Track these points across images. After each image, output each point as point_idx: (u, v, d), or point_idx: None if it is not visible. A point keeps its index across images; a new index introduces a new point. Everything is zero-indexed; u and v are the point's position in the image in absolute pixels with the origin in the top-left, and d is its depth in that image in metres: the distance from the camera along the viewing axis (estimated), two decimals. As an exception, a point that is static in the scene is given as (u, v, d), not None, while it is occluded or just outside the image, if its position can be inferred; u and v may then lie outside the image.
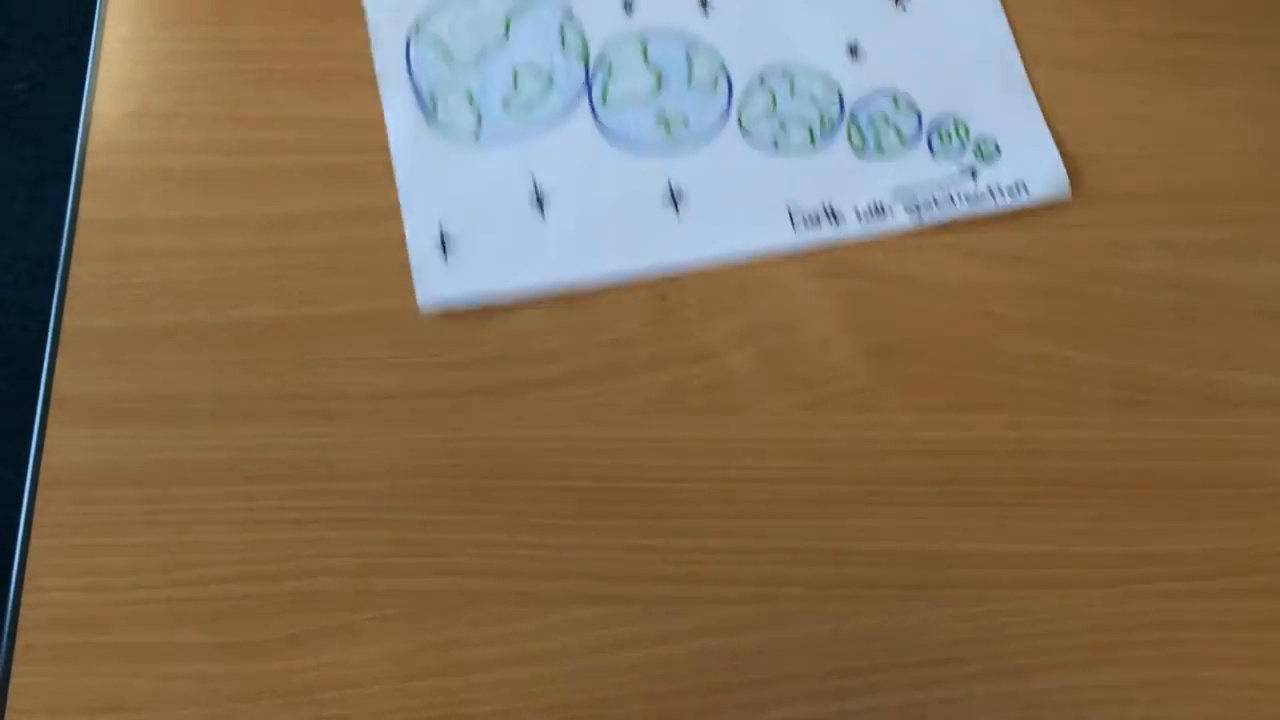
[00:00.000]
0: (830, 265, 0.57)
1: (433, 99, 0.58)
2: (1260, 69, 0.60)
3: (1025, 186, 0.57)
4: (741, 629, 0.51)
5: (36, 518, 0.51)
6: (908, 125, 0.59)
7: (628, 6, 0.61)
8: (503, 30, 0.60)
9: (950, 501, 0.53)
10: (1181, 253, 0.57)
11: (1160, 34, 0.61)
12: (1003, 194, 0.57)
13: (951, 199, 0.57)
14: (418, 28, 0.60)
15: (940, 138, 0.58)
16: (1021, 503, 0.53)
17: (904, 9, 0.61)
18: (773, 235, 0.56)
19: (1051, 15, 0.62)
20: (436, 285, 0.55)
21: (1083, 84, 0.60)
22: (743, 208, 0.57)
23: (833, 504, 0.53)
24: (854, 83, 0.60)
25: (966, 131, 0.58)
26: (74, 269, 0.56)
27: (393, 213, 0.57)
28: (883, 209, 0.57)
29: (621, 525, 0.52)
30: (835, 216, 0.55)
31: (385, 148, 0.58)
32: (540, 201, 0.57)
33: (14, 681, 0.49)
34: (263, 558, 0.51)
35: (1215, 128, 0.59)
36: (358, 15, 0.61)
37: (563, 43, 0.60)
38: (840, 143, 0.58)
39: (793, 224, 0.56)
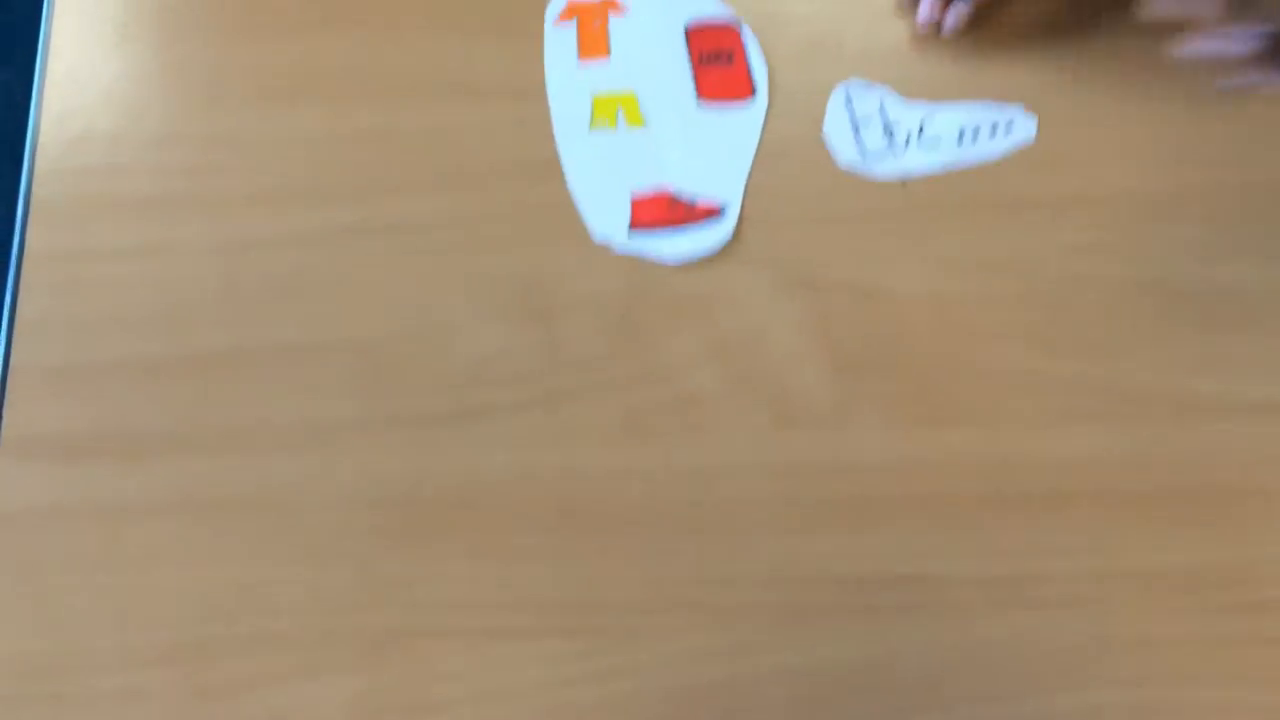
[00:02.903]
0: (796, 277, 0.55)
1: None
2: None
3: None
4: (710, 658, 0.50)
5: (-13, 562, 0.50)
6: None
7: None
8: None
9: (924, 521, 0.52)
10: (1156, 255, 0.55)
11: (1131, 28, 0.59)
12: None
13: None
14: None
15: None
16: (998, 520, 0.52)
17: None
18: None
19: (1022, 11, 0.60)
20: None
21: (1055, 83, 0.58)
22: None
23: (803, 527, 0.51)
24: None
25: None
26: (21, 302, 0.54)
27: (346, 235, 0.55)
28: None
29: (586, 554, 0.51)
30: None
31: (333, 166, 0.56)
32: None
33: (-33, 732, 0.48)
34: (219, 595, 0.50)
35: (1189, 125, 0.57)
36: (301, 31, 0.59)
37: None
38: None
39: None
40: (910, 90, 0.59)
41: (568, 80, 0.59)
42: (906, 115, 0.58)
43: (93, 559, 0.51)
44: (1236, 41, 0.54)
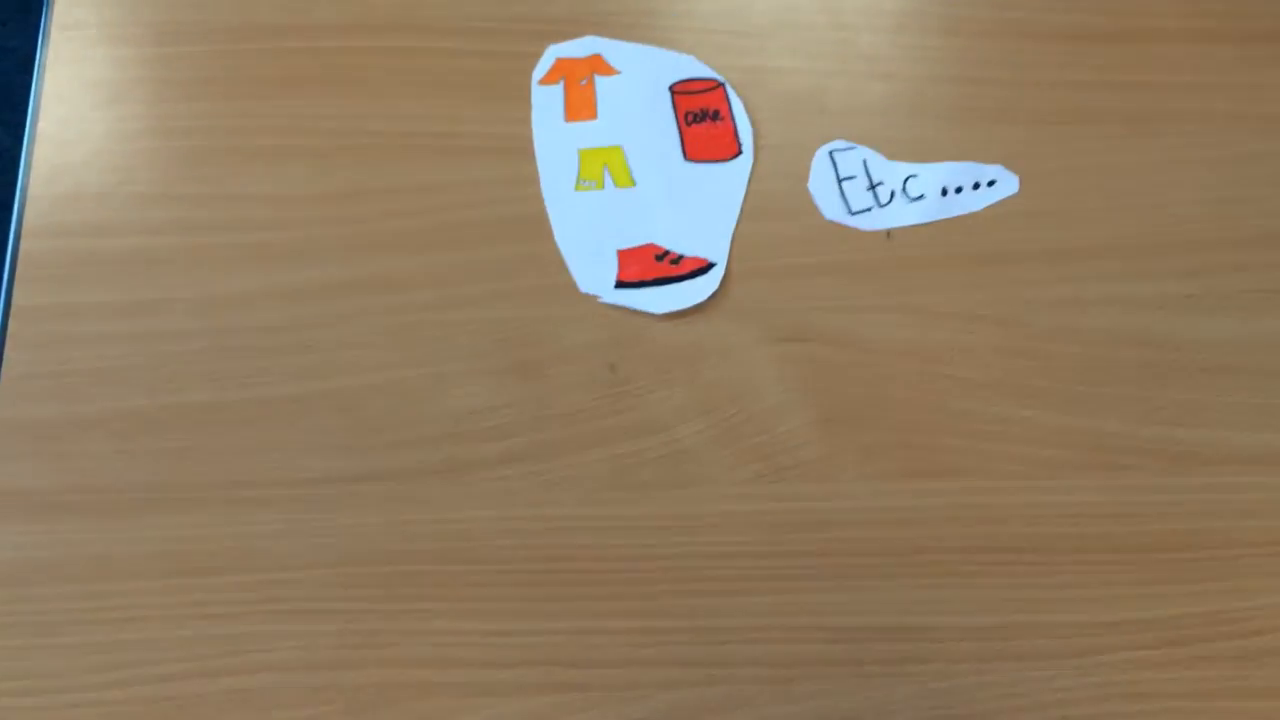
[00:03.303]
0: (782, 330, 0.55)
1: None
2: (1212, 117, 0.60)
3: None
4: (701, 713, 0.49)
5: (-35, 620, 0.50)
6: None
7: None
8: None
9: (912, 572, 0.51)
10: (1140, 308, 0.56)
11: (1112, 85, 0.60)
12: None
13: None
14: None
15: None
16: (985, 572, 0.51)
17: None
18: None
19: (1001, 69, 0.61)
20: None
21: (1037, 138, 0.59)
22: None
23: (792, 579, 0.51)
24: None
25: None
26: (7, 357, 0.54)
27: (332, 290, 0.56)
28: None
29: (574, 608, 0.51)
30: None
31: (321, 221, 0.57)
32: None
33: (-59, 794, 0.47)
34: (201, 654, 0.50)
35: (1168, 178, 0.58)
36: (288, 91, 0.60)
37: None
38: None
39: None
40: (893, 148, 0.59)
41: (554, 139, 0.60)
42: (890, 173, 0.59)
43: (72, 618, 0.50)
44: None
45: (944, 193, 0.58)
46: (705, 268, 0.57)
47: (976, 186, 0.58)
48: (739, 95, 0.61)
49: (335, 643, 0.50)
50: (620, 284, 0.56)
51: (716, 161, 0.60)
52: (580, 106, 0.61)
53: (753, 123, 0.60)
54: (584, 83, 0.62)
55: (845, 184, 0.59)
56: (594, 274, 0.57)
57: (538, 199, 0.58)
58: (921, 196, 0.58)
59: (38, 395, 0.54)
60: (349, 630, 0.50)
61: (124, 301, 0.55)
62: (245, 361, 0.54)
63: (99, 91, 0.60)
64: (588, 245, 0.57)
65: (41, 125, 0.59)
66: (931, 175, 0.59)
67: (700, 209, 0.58)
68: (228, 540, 0.51)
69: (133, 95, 0.60)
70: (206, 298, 0.55)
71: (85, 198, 0.57)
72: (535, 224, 0.57)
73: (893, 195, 0.58)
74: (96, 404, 0.54)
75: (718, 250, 0.57)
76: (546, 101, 0.61)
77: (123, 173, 0.58)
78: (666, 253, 0.57)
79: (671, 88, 0.61)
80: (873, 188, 0.58)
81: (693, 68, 0.62)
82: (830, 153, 0.59)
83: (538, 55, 0.61)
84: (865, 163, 0.59)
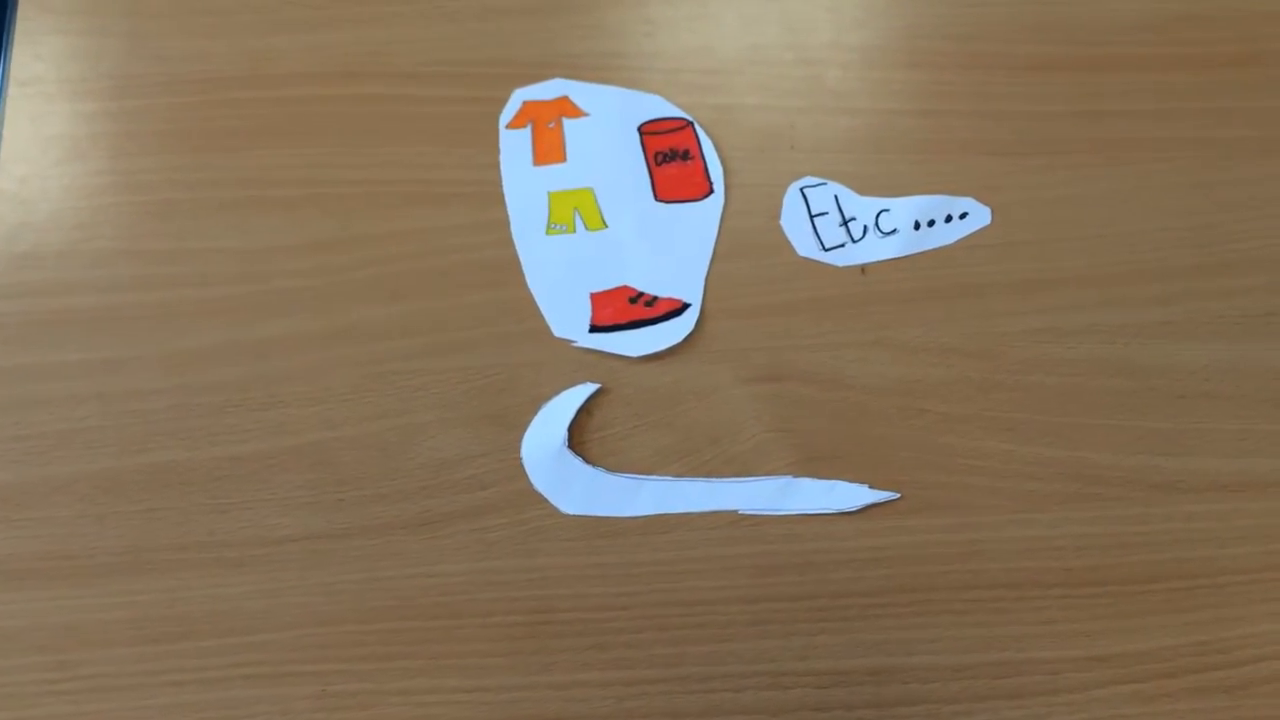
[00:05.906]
0: (759, 370, 0.55)
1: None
2: (1180, 144, 0.60)
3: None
4: (689, 765, 0.48)
5: (-71, 695, 0.48)
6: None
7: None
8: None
9: (899, 612, 0.51)
10: (1117, 336, 0.56)
11: (1080, 114, 0.61)
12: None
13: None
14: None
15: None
16: (972, 609, 0.51)
17: None
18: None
19: (968, 101, 0.61)
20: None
21: (1007, 169, 0.59)
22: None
23: (777, 623, 0.50)
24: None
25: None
26: (-32, 422, 0.53)
27: (302, 343, 0.55)
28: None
29: (557, 661, 0.50)
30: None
31: (288, 273, 0.56)
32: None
33: None
34: (175, 722, 0.48)
35: (1140, 206, 0.58)
36: (254, 142, 0.59)
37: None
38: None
39: None
40: (863, 183, 0.59)
41: (524, 183, 0.59)
42: (862, 208, 0.59)
43: (38, 690, 0.49)
44: None
45: (916, 226, 0.58)
46: (680, 309, 0.56)
47: (949, 219, 0.58)
48: (708, 134, 0.60)
49: (313, 705, 0.49)
50: (595, 328, 0.56)
51: (688, 201, 0.59)
52: (549, 149, 0.61)
53: (723, 161, 0.60)
54: (552, 125, 0.61)
55: (818, 220, 0.58)
56: (568, 318, 0.56)
57: (508, 244, 0.57)
58: (894, 231, 0.58)
59: (1, 459, 0.52)
60: (327, 693, 0.49)
61: (89, 361, 0.54)
62: (214, 419, 0.53)
63: (59, 147, 0.59)
64: (560, 289, 0.57)
65: (1, 184, 0.58)
66: (903, 209, 0.58)
67: (673, 249, 0.58)
68: (199, 603, 0.50)
69: (94, 150, 0.59)
70: (173, 354, 0.54)
71: (47, 256, 0.56)
72: (507, 269, 0.57)
73: (865, 230, 0.58)
74: (62, 466, 0.52)
75: (692, 291, 0.57)
76: (515, 145, 0.60)
77: (85, 229, 0.57)
78: (640, 295, 0.57)
79: (640, 128, 0.61)
80: (845, 223, 0.58)
81: (661, 107, 0.61)
82: (801, 189, 0.59)
83: (504, 99, 0.61)
84: (837, 198, 0.59)
